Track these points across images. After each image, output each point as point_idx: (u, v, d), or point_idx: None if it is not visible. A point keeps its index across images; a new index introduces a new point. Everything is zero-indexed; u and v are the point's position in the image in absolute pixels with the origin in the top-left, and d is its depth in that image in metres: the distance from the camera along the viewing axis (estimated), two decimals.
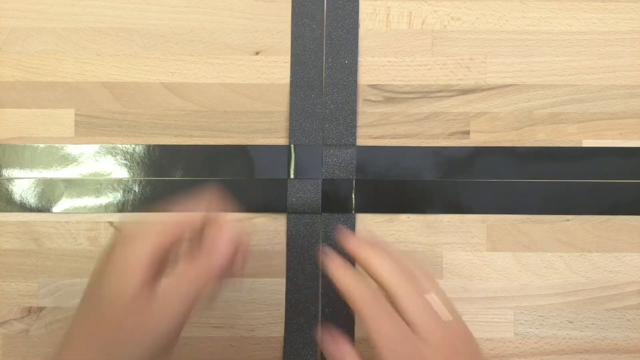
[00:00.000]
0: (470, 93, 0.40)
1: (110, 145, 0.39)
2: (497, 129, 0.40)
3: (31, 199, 0.39)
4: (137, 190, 0.39)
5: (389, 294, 0.30)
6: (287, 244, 0.39)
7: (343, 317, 0.38)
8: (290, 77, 0.39)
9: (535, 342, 0.38)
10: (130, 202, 0.39)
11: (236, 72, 0.40)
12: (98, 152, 0.39)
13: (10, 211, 0.39)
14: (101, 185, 0.39)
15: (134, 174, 0.39)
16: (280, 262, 0.39)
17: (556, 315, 0.38)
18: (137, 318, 0.27)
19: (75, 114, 0.40)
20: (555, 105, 0.40)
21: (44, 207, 0.39)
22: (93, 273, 0.29)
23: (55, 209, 0.39)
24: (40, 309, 0.39)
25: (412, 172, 0.39)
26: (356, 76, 0.40)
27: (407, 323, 0.28)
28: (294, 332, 0.38)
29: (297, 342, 0.38)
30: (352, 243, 0.32)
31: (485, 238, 0.39)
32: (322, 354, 0.38)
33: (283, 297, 0.39)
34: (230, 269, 0.29)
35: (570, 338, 0.38)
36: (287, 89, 0.40)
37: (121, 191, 0.39)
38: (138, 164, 0.39)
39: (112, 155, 0.39)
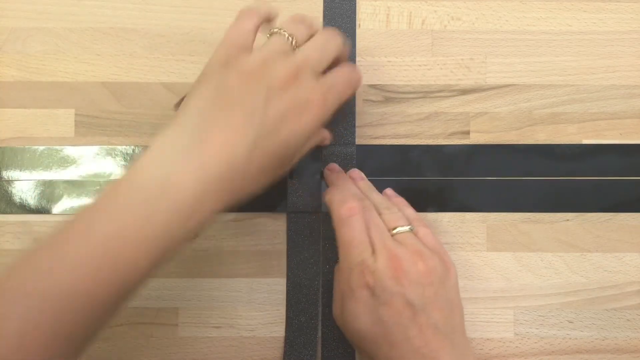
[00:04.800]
0: (470, 93, 0.40)
1: (110, 146, 0.39)
2: (497, 129, 0.40)
3: (31, 201, 0.39)
4: None
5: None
6: (287, 244, 0.39)
7: None
8: None
9: (535, 342, 0.38)
10: None
11: None
12: (98, 154, 0.39)
13: (10, 213, 0.39)
14: (101, 186, 0.39)
15: None
16: (280, 262, 0.39)
17: (556, 315, 0.38)
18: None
19: (75, 114, 0.40)
20: (555, 105, 0.40)
21: (43, 209, 0.39)
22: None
23: (55, 210, 0.39)
24: None
25: (412, 171, 0.39)
26: None
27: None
28: (295, 332, 0.38)
29: (297, 342, 0.38)
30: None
31: (485, 238, 0.39)
32: (322, 354, 0.38)
33: (283, 297, 0.39)
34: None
35: (570, 338, 0.38)
36: None
37: None
38: None
39: (112, 157, 0.39)
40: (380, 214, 0.34)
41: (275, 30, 0.31)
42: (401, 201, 0.37)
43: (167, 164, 0.27)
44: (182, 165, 0.26)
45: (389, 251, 0.32)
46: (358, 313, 0.32)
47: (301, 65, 0.30)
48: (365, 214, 0.33)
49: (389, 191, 0.38)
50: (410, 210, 0.36)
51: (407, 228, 0.33)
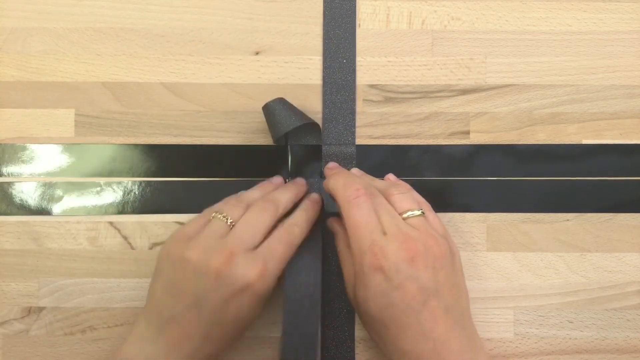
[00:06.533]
0: (470, 93, 0.40)
1: (110, 146, 0.39)
2: (497, 129, 0.40)
3: (31, 202, 0.39)
4: (137, 192, 0.39)
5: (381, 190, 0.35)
6: None
7: (343, 316, 0.38)
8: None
9: (535, 342, 0.38)
10: (130, 203, 0.39)
11: (236, 72, 0.40)
12: (97, 154, 0.39)
13: (10, 214, 0.39)
14: (101, 187, 0.39)
15: (133, 174, 0.39)
16: None
17: (556, 315, 0.39)
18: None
19: (75, 114, 0.40)
20: (555, 105, 0.40)
21: (44, 210, 0.39)
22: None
23: (55, 211, 0.39)
24: (40, 309, 0.39)
25: (412, 171, 0.39)
26: (355, 76, 0.40)
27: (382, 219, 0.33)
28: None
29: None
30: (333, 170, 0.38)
31: (485, 238, 0.39)
32: (323, 354, 0.38)
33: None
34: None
35: (570, 338, 0.38)
36: (286, 90, 0.40)
37: (121, 192, 0.39)
38: (138, 164, 0.39)
39: (112, 156, 0.39)
40: (388, 197, 0.34)
41: (213, 215, 0.34)
42: (405, 184, 0.37)
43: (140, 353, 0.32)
44: (150, 353, 0.32)
45: (404, 234, 0.31)
46: (368, 297, 0.31)
47: (234, 249, 0.32)
48: (373, 200, 0.33)
49: (391, 176, 0.38)
50: (416, 194, 0.36)
51: (418, 212, 0.33)
